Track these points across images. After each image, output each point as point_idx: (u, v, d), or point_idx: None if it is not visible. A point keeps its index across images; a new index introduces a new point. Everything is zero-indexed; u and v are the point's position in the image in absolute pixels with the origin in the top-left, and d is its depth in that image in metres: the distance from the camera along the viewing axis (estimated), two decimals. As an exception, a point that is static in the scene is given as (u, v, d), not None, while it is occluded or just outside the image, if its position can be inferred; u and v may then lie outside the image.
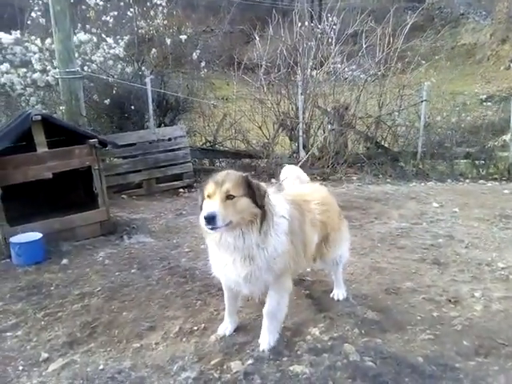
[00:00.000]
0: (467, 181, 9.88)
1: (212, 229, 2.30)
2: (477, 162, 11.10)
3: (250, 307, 3.29)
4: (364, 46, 10.93)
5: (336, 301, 3.45)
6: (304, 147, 9.11)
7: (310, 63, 10.43)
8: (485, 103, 13.52)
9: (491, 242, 4.93)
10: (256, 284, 2.61)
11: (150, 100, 7.93)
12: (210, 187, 2.39)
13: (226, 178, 2.39)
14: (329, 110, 10.16)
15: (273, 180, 8.47)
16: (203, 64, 9.42)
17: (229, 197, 2.35)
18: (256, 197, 2.41)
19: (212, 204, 2.32)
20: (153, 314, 3.29)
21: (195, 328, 3.05)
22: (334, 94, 10.52)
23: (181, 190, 7.64)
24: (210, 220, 2.26)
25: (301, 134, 9.00)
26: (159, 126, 8.74)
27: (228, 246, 2.46)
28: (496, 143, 10.72)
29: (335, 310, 3.28)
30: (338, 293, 3.51)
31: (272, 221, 2.50)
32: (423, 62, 10.99)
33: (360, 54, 10.92)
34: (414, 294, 3.58)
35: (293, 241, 2.65)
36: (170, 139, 7.96)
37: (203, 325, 3.08)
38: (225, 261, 2.58)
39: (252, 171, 9.11)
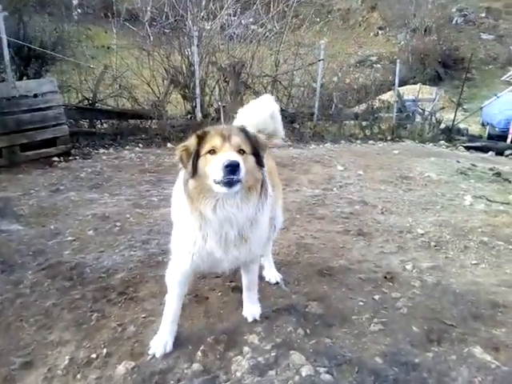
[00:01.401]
0: (358, 141, 10.16)
1: (233, 183, 1.89)
2: (363, 123, 11.54)
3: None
4: (259, -1, 10.23)
5: (270, 285, 2.97)
6: (201, 107, 8.25)
7: (202, 13, 9.41)
8: (375, 65, 14.07)
9: (402, 206, 4.91)
10: (240, 263, 2.38)
11: (4, 44, 6.23)
12: (214, 140, 1.97)
13: (232, 132, 2.03)
14: (223, 66, 9.39)
15: (168, 144, 7.55)
16: (76, 2, 7.73)
17: (240, 152, 1.97)
18: (260, 156, 2.08)
19: (227, 154, 1.90)
20: (28, 341, 2.36)
21: (93, 356, 2.23)
22: (228, 49, 9.74)
23: (55, 158, 6.25)
24: (235, 169, 1.85)
25: (198, 92, 8.08)
26: (20, 78, 7.03)
27: (224, 216, 2.04)
28: (383, 104, 11.18)
29: (269, 304, 2.74)
30: (271, 275, 3.05)
31: (267, 189, 2.19)
32: (318, 19, 10.77)
33: (255, 7, 10.20)
34: (349, 273, 3.23)
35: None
36: (36, 95, 6.43)
37: (105, 350, 2.27)
38: (208, 239, 2.14)
39: (142, 134, 8.04)
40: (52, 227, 3.97)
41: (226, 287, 2.92)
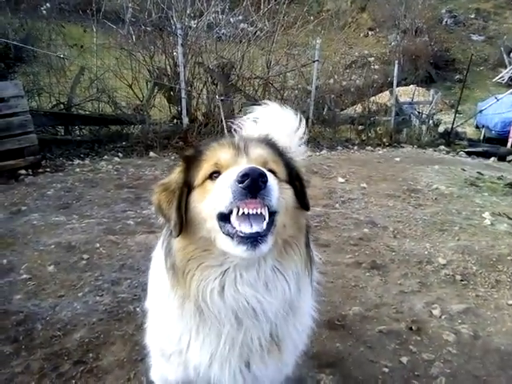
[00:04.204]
0: (355, 147, 9.60)
1: (258, 239, 1.07)
2: (359, 128, 10.99)
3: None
4: (248, -5, 9.59)
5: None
6: (187, 112, 7.59)
7: (188, 10, 8.75)
8: (372, 66, 13.55)
9: (415, 227, 4.32)
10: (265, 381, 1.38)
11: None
12: (219, 154, 1.19)
13: (250, 142, 1.23)
14: (211, 67, 8.74)
15: (151, 153, 6.88)
16: (44, -5, 7.03)
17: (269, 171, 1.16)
18: (302, 188, 1.28)
19: (243, 166, 1.12)
20: None
21: None
22: (216, 49, 9.08)
23: (22, 171, 5.53)
24: (258, 184, 1.05)
25: (183, 95, 7.42)
26: (-17, 81, 6.30)
27: (242, 305, 1.16)
28: (380, 108, 10.65)
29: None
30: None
31: (313, 251, 1.36)
32: (311, 18, 10.17)
33: (244, 3, 9.57)
34: (366, 323, 2.63)
35: None
36: (3, 99, 5.72)
37: None
38: (208, 346, 1.25)
39: (123, 141, 7.36)
40: (5, 261, 3.30)
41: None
